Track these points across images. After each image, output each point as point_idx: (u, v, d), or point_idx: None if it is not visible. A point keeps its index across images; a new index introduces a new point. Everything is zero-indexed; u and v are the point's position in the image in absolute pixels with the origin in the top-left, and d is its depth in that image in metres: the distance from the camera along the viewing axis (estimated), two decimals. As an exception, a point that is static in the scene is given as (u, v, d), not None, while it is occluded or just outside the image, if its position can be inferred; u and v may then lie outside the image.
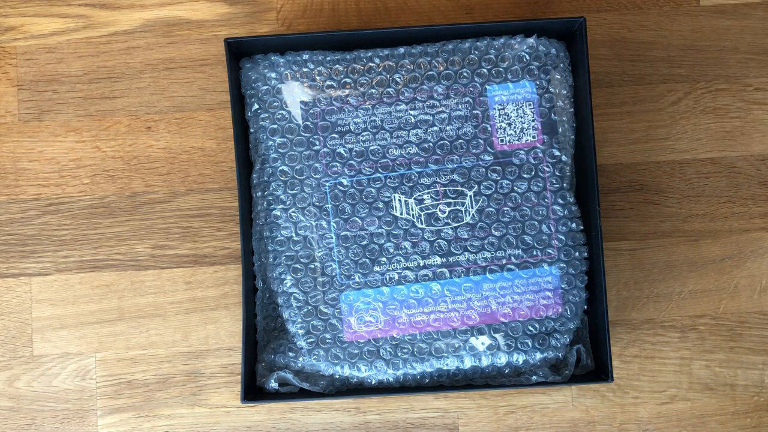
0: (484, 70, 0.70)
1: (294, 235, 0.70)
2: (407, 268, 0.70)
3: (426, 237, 0.70)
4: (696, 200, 0.76)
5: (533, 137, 0.70)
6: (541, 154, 0.70)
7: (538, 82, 0.70)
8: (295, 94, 0.71)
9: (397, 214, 0.70)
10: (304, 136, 0.70)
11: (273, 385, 0.70)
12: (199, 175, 0.77)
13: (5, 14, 0.78)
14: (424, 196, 0.70)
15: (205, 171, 0.77)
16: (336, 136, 0.70)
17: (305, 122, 0.70)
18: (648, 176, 0.76)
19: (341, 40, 0.71)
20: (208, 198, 0.77)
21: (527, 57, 0.70)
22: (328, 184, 0.70)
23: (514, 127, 0.70)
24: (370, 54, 0.71)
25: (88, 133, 0.77)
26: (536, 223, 0.70)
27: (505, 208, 0.70)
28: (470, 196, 0.70)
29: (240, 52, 0.72)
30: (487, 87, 0.70)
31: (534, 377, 0.69)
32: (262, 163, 0.71)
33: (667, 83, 0.77)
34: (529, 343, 0.69)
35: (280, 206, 0.70)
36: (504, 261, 0.70)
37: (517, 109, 0.70)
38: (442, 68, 0.70)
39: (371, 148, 0.70)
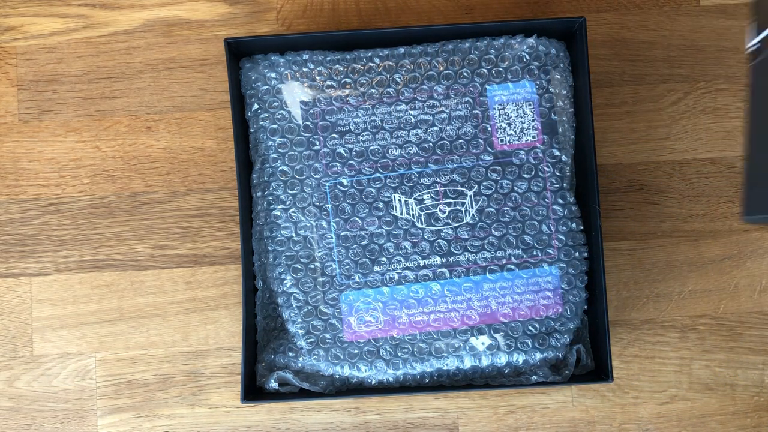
0: (484, 70, 0.70)
1: (294, 235, 0.70)
2: (407, 268, 0.70)
3: (426, 237, 0.70)
4: (696, 200, 0.76)
5: (533, 137, 0.70)
6: (541, 154, 0.70)
7: (538, 82, 0.70)
8: (295, 94, 0.71)
9: (397, 214, 0.70)
10: (304, 136, 0.70)
11: (273, 385, 0.70)
12: (199, 175, 0.77)
13: (5, 14, 0.78)
14: (424, 196, 0.70)
15: (205, 171, 0.77)
16: (336, 136, 0.70)
17: (305, 122, 0.70)
18: (648, 176, 0.76)
19: (341, 40, 0.71)
20: (208, 198, 0.77)
21: (527, 57, 0.70)
22: (328, 184, 0.70)
23: (514, 127, 0.70)
24: (370, 54, 0.71)
25: (88, 133, 0.77)
26: (536, 223, 0.70)
27: (505, 208, 0.70)
28: (470, 196, 0.70)
29: (240, 52, 0.72)
30: (487, 87, 0.70)
31: (534, 377, 0.69)
32: (262, 163, 0.71)
33: (667, 83, 0.77)
34: (529, 343, 0.69)
35: (280, 206, 0.70)
36: (504, 261, 0.70)
37: (517, 109, 0.70)
38: (442, 68, 0.70)
39: (371, 148, 0.70)
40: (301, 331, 0.70)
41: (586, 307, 0.71)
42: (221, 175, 0.77)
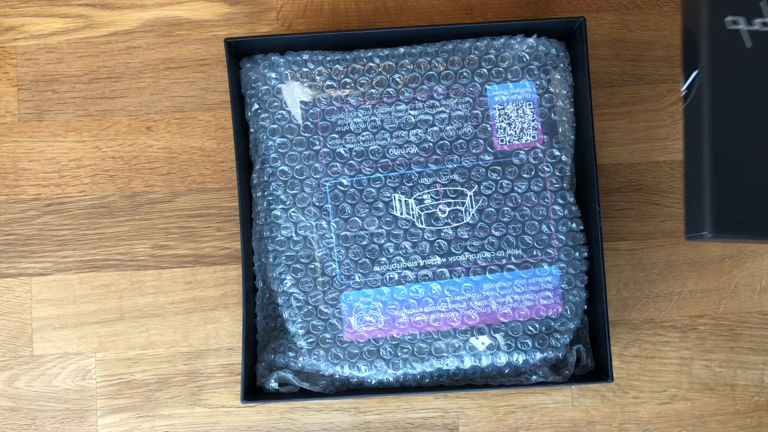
0: (484, 70, 0.70)
1: (294, 235, 0.70)
2: (407, 268, 0.70)
3: (426, 237, 0.70)
4: (696, 200, 0.76)
5: (533, 137, 0.70)
6: (541, 154, 0.70)
7: (538, 82, 0.70)
8: (295, 94, 0.71)
9: (397, 214, 0.70)
10: (304, 136, 0.70)
11: (273, 385, 0.70)
12: (199, 175, 0.77)
13: (5, 14, 0.78)
14: (424, 196, 0.70)
15: (205, 171, 0.77)
16: (336, 136, 0.70)
17: (305, 122, 0.70)
18: (648, 176, 0.76)
19: (341, 40, 0.71)
20: (208, 198, 0.77)
21: (527, 57, 0.70)
22: (328, 184, 0.70)
23: (514, 127, 0.70)
24: (370, 54, 0.71)
25: (88, 133, 0.77)
26: (536, 223, 0.70)
27: (505, 208, 0.70)
28: (470, 196, 0.70)
29: (240, 52, 0.72)
30: (487, 87, 0.70)
31: (534, 377, 0.69)
32: (262, 163, 0.71)
33: (667, 83, 0.77)
34: (529, 343, 0.69)
35: (280, 206, 0.70)
36: (504, 261, 0.70)
37: (517, 109, 0.70)
38: (442, 68, 0.70)
39: (371, 148, 0.70)
40: (301, 331, 0.70)
41: (586, 307, 0.71)
42: (221, 175, 0.77)
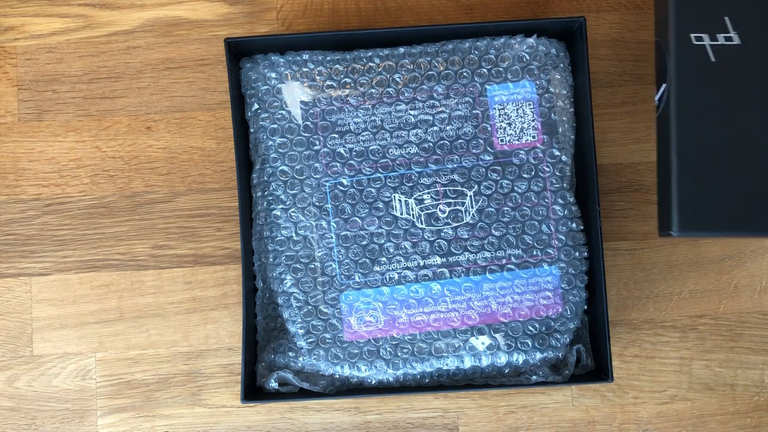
0: (484, 70, 0.70)
1: (294, 235, 0.70)
2: (407, 268, 0.70)
3: (426, 237, 0.70)
4: (696, 200, 0.76)
5: (533, 137, 0.70)
6: (541, 154, 0.70)
7: (538, 82, 0.70)
8: (295, 94, 0.71)
9: (397, 214, 0.70)
10: (304, 136, 0.70)
11: (273, 385, 0.70)
12: (199, 175, 0.77)
13: (5, 14, 0.78)
14: (424, 196, 0.70)
15: (205, 171, 0.77)
16: (336, 136, 0.70)
17: (305, 122, 0.70)
18: (648, 176, 0.76)
19: (341, 40, 0.71)
20: (208, 198, 0.77)
21: (527, 57, 0.70)
22: (328, 184, 0.70)
23: (514, 127, 0.70)
24: (370, 54, 0.71)
25: (88, 133, 0.77)
26: (536, 223, 0.70)
27: (505, 208, 0.70)
28: (470, 196, 0.70)
29: (240, 52, 0.72)
30: (487, 87, 0.70)
31: (534, 377, 0.69)
32: (262, 163, 0.71)
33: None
34: (529, 343, 0.69)
35: (280, 206, 0.70)
36: (504, 261, 0.70)
37: (517, 109, 0.70)
38: (442, 68, 0.70)
39: (371, 148, 0.70)
40: (301, 331, 0.70)
41: (586, 307, 0.71)
42: (221, 175, 0.77)
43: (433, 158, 0.70)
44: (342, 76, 0.71)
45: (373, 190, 0.70)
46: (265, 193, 0.71)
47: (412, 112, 0.70)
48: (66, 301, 0.76)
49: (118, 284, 0.76)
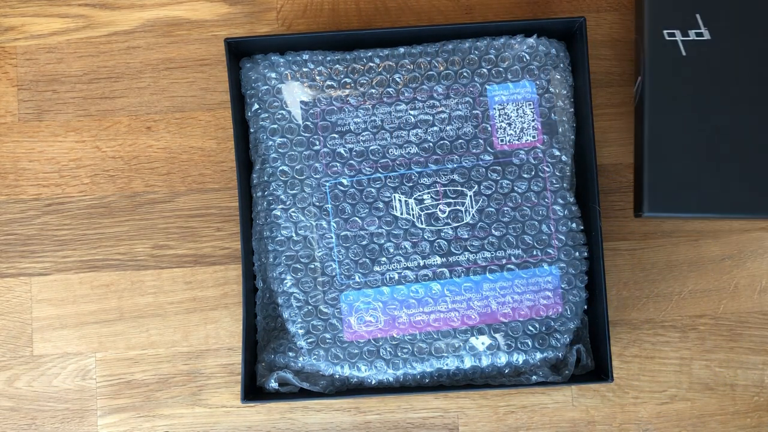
0: (484, 70, 0.70)
1: (294, 235, 0.70)
2: (407, 268, 0.70)
3: (426, 237, 0.70)
4: (696, 200, 0.76)
5: (533, 137, 0.70)
6: (541, 154, 0.70)
7: (538, 82, 0.70)
8: (295, 94, 0.71)
9: (397, 214, 0.70)
10: (304, 136, 0.70)
11: (273, 385, 0.70)
12: (199, 175, 0.77)
13: (5, 14, 0.78)
14: (424, 196, 0.70)
15: (205, 171, 0.77)
16: (336, 136, 0.70)
17: (305, 122, 0.70)
18: (648, 176, 0.76)
19: (341, 40, 0.71)
20: (208, 198, 0.77)
21: (527, 57, 0.70)
22: (328, 184, 0.70)
23: (514, 127, 0.70)
24: (370, 54, 0.71)
25: (88, 133, 0.77)
26: (536, 223, 0.70)
27: (505, 208, 0.70)
28: (470, 196, 0.70)
29: (240, 52, 0.72)
30: (487, 87, 0.70)
31: (534, 377, 0.69)
32: (262, 163, 0.71)
33: (667, 83, 0.77)
34: (529, 343, 0.69)
35: (280, 206, 0.70)
36: (504, 261, 0.70)
37: (517, 109, 0.70)
38: (442, 68, 0.70)
39: (371, 148, 0.70)
40: (301, 331, 0.70)
41: (586, 307, 0.71)
42: (221, 175, 0.77)
43: (433, 158, 0.70)
44: (342, 76, 0.71)
45: (373, 190, 0.70)
46: (265, 193, 0.71)
47: (412, 112, 0.70)
48: (66, 301, 0.76)
49: (118, 284, 0.76)
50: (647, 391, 0.75)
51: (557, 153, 0.70)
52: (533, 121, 0.70)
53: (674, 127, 0.68)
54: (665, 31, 0.68)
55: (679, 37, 0.68)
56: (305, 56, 0.71)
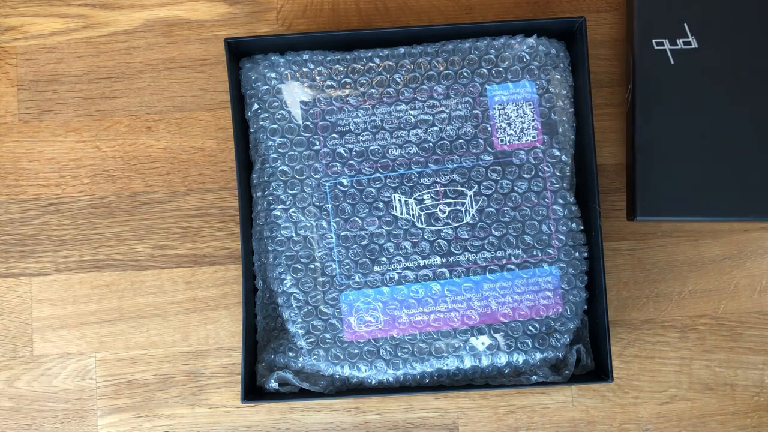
0: (484, 70, 0.70)
1: (294, 235, 0.70)
2: (407, 268, 0.70)
3: (426, 237, 0.70)
4: (696, 200, 0.76)
5: (533, 137, 0.70)
6: (541, 154, 0.70)
7: (538, 82, 0.70)
8: (295, 94, 0.71)
9: (397, 214, 0.70)
10: (304, 136, 0.70)
11: (273, 385, 0.70)
12: (199, 175, 0.77)
13: (5, 14, 0.78)
14: (424, 196, 0.70)
15: (205, 171, 0.77)
16: (336, 136, 0.70)
17: (305, 122, 0.70)
18: (648, 176, 0.76)
19: (341, 40, 0.71)
20: (208, 198, 0.77)
21: (527, 57, 0.70)
22: (328, 184, 0.70)
23: (514, 127, 0.70)
24: (370, 54, 0.71)
25: (88, 133, 0.77)
26: (536, 223, 0.70)
27: (505, 208, 0.70)
28: (470, 196, 0.70)
29: (240, 52, 0.72)
30: (487, 87, 0.70)
31: (534, 377, 0.69)
32: (262, 163, 0.71)
33: (667, 83, 0.77)
34: (529, 343, 0.69)
35: (280, 206, 0.70)
36: (504, 261, 0.70)
37: (517, 109, 0.70)
38: (442, 68, 0.70)
39: (371, 148, 0.70)
40: (301, 331, 0.70)
41: (586, 307, 0.71)
42: (221, 175, 0.77)
43: (433, 158, 0.70)
44: (342, 76, 0.71)
45: (373, 190, 0.70)
46: (265, 193, 0.71)
47: (412, 112, 0.70)
48: (66, 301, 0.76)
49: (118, 284, 0.76)
50: (647, 391, 0.75)
51: (557, 153, 0.70)
52: (533, 121, 0.70)
53: (664, 133, 0.70)
54: (654, 41, 0.71)
55: (667, 46, 0.70)
56: (305, 56, 0.71)
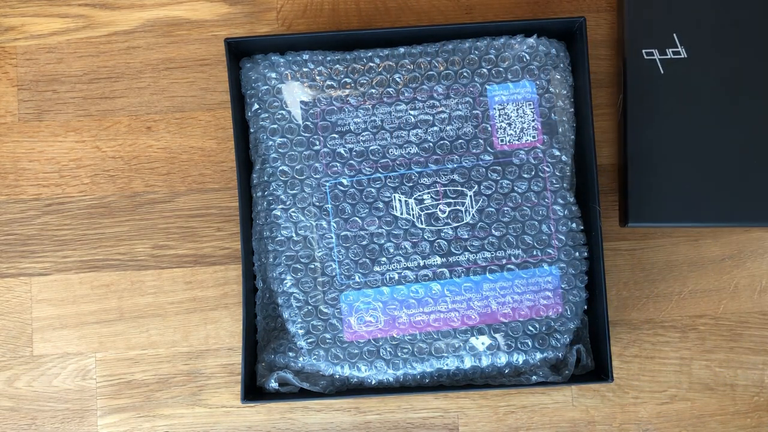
0: (484, 70, 0.70)
1: (294, 235, 0.70)
2: (407, 268, 0.70)
3: (426, 237, 0.70)
4: (696, 200, 0.76)
5: (533, 137, 0.70)
6: (541, 154, 0.70)
7: (538, 82, 0.70)
8: (295, 94, 0.71)
9: (397, 214, 0.70)
10: (304, 136, 0.70)
11: (273, 385, 0.70)
12: (199, 175, 0.77)
13: (5, 14, 0.78)
14: (424, 196, 0.70)
15: (205, 171, 0.77)
16: (336, 136, 0.70)
17: (305, 122, 0.70)
18: (648, 176, 0.76)
19: (341, 40, 0.71)
20: (208, 198, 0.77)
21: (527, 57, 0.70)
22: (328, 184, 0.70)
23: (514, 127, 0.70)
24: (370, 54, 0.71)
25: (88, 133, 0.77)
26: (536, 223, 0.70)
27: (505, 208, 0.70)
28: (470, 196, 0.70)
29: (240, 52, 0.72)
30: (487, 87, 0.70)
31: (534, 377, 0.69)
32: (262, 163, 0.71)
33: (667, 83, 0.77)
34: (529, 343, 0.69)
35: (280, 206, 0.70)
36: (504, 261, 0.70)
37: (517, 109, 0.70)
38: (442, 68, 0.70)
39: (371, 148, 0.70)
40: (301, 331, 0.70)
41: (586, 307, 0.71)
42: (221, 175, 0.77)
43: (433, 158, 0.70)
44: (342, 76, 0.71)
45: (373, 190, 0.70)
46: (265, 193, 0.71)
47: (412, 112, 0.70)
48: (66, 301, 0.76)
49: (118, 284, 0.76)
50: (647, 391, 0.75)
51: (557, 153, 0.70)
52: (533, 121, 0.70)
53: (655, 141, 0.72)
54: (644, 51, 0.72)
55: (657, 56, 0.72)
56: (305, 56, 0.71)
